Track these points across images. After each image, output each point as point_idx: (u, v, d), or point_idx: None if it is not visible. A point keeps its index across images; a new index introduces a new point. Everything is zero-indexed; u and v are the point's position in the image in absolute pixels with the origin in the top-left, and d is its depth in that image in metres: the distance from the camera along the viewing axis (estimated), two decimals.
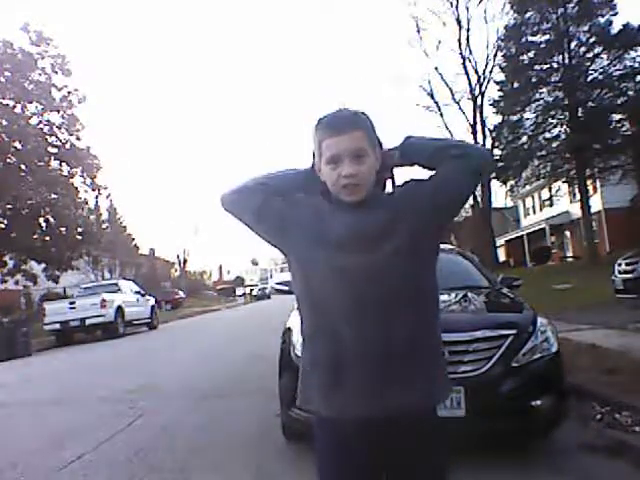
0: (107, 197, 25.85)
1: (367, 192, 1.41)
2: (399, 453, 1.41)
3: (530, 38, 23.94)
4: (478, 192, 30.59)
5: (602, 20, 22.61)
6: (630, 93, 22.16)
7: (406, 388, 1.36)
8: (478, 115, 29.81)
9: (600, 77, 22.62)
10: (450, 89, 30.14)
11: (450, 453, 1.48)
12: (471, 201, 31.59)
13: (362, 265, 1.37)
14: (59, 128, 22.32)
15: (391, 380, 1.36)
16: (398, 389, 1.36)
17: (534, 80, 23.71)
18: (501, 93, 25.57)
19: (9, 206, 20.57)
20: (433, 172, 1.45)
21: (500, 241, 37.84)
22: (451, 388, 1.51)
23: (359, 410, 1.37)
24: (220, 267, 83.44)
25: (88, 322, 15.62)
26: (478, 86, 29.50)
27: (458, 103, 30.28)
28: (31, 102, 21.64)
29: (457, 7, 28.99)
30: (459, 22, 29.11)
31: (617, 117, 22.82)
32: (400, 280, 1.38)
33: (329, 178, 1.41)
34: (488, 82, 29.11)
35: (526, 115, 24.54)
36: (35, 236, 21.38)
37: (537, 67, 23.87)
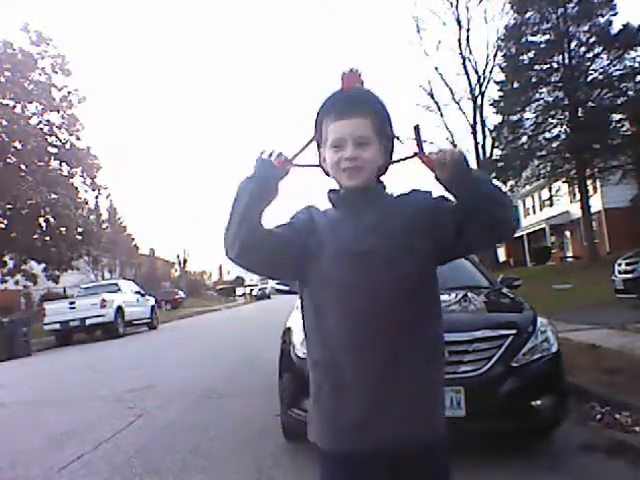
0: (107, 197, 25.89)
1: (368, 180, 1.38)
2: None
3: (530, 38, 23.95)
4: None
5: (602, 20, 22.62)
6: (630, 93, 22.16)
7: (404, 424, 1.33)
8: (478, 115, 29.87)
9: (600, 77, 22.62)
10: (450, 89, 30.27)
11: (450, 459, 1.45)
12: None
13: (367, 290, 1.31)
14: (59, 128, 22.33)
15: (389, 416, 1.32)
16: (396, 425, 1.32)
17: (534, 80, 23.72)
18: (501, 93, 25.59)
19: (9, 206, 20.58)
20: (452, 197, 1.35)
21: None
22: (443, 424, 1.43)
23: (357, 444, 1.34)
24: (220, 267, 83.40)
25: (88, 322, 15.63)
26: (478, 86, 29.57)
27: (458, 103, 30.40)
28: (31, 102, 21.64)
29: (457, 7, 29.13)
30: (459, 22, 29.21)
31: (617, 117, 22.82)
32: (409, 306, 1.33)
33: (331, 161, 1.39)
34: (488, 82, 29.21)
35: (526, 115, 24.58)
36: (35, 236, 21.39)
37: (537, 67, 23.87)
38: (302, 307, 1.45)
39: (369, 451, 1.34)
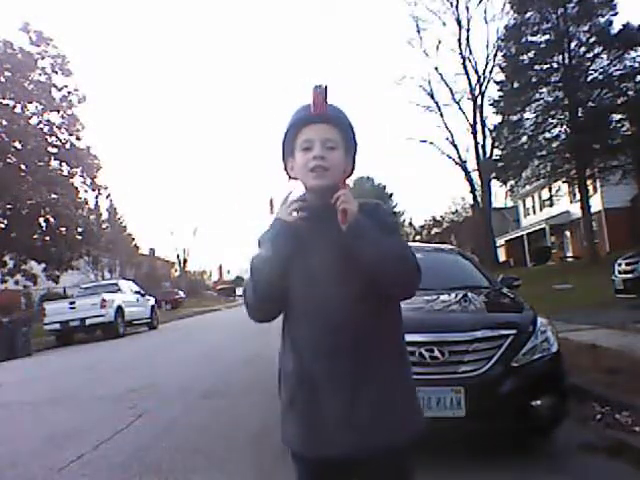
0: (107, 197, 25.92)
1: (334, 182, 1.39)
2: None
3: (530, 38, 23.96)
4: (478, 192, 30.67)
5: (602, 20, 22.63)
6: (630, 93, 22.17)
7: (379, 427, 1.37)
8: (478, 115, 29.91)
9: (600, 77, 22.63)
10: (450, 89, 30.34)
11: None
12: (471, 201, 31.68)
13: (333, 301, 1.38)
14: (59, 128, 22.35)
15: (363, 420, 1.36)
16: (371, 428, 1.37)
17: (534, 80, 23.73)
18: (501, 93, 25.61)
19: (9, 206, 20.60)
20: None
21: (500, 241, 37.84)
22: (422, 421, 1.49)
23: (334, 450, 1.37)
24: (220, 267, 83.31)
25: (88, 322, 15.62)
26: (478, 86, 29.61)
27: (458, 103, 30.44)
28: (31, 102, 21.67)
29: (457, 7, 29.17)
30: (459, 22, 29.25)
31: (617, 117, 22.83)
32: (370, 315, 1.39)
33: (301, 164, 1.43)
34: (488, 82, 29.25)
35: (526, 115, 24.59)
36: (35, 236, 21.41)
37: (537, 67, 23.88)
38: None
39: (344, 455, 1.38)
